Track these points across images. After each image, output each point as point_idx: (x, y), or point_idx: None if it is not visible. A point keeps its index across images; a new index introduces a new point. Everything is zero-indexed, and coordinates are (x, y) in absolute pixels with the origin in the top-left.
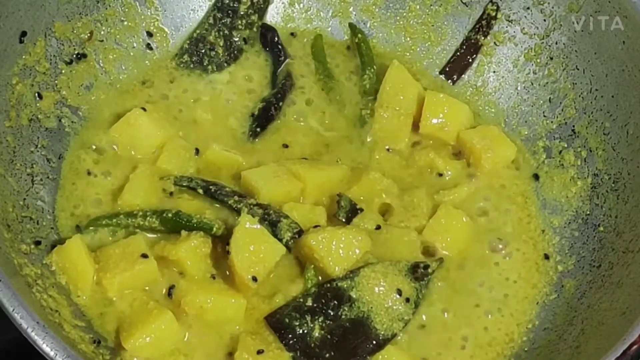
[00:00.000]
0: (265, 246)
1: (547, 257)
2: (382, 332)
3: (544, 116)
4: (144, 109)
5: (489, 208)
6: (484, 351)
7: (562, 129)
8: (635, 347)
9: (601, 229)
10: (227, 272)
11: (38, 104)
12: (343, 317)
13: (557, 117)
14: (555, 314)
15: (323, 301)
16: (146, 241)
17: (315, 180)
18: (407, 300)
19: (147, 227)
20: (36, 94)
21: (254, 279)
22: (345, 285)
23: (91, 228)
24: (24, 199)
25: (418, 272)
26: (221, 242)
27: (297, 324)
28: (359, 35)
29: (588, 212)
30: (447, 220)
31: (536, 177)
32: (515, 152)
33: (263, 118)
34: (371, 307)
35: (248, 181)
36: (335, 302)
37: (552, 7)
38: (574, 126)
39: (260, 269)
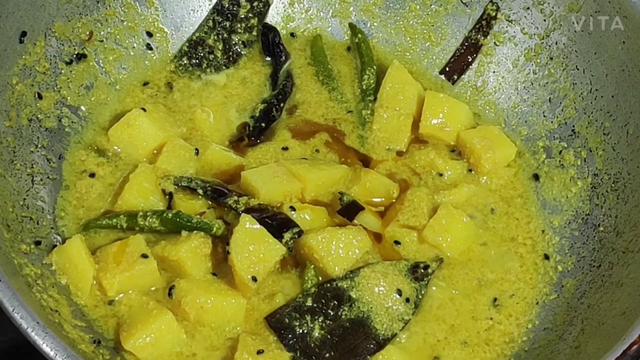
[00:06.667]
0: (265, 246)
1: (547, 257)
2: (382, 332)
3: (544, 116)
4: (144, 109)
5: (489, 208)
6: (483, 351)
7: (562, 129)
8: (635, 347)
9: (601, 229)
10: (228, 272)
11: (38, 104)
12: (343, 317)
13: (557, 117)
14: (555, 314)
15: (323, 301)
16: (146, 241)
17: (315, 180)
18: (407, 300)
19: (147, 227)
20: (36, 94)
21: (254, 279)
22: (345, 285)
23: (91, 228)
24: (24, 199)
25: (418, 272)
26: (221, 242)
27: (297, 324)
28: (359, 36)
29: (588, 212)
30: (448, 221)
31: (536, 177)
32: (516, 152)
33: (264, 119)
34: (371, 307)
35: (248, 181)
36: (335, 302)
37: (552, 7)
38: (574, 126)
39: (260, 269)
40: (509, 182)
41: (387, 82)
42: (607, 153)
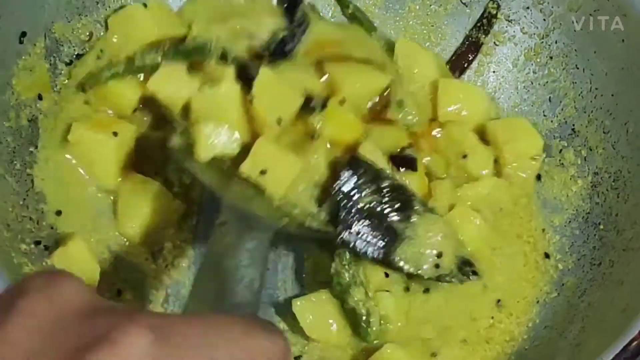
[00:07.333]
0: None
1: (547, 255)
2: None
3: (544, 115)
4: (145, 5)
5: (492, 209)
6: (484, 349)
7: (562, 128)
8: (635, 343)
9: (601, 227)
10: None
11: (38, 105)
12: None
13: (557, 116)
14: (555, 312)
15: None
16: None
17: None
18: (437, 266)
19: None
20: (36, 95)
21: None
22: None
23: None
24: (24, 199)
25: (464, 269)
26: None
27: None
28: (350, 6)
29: (588, 211)
30: (461, 220)
31: (537, 176)
32: (543, 145)
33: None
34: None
35: None
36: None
37: (552, 7)
38: (574, 125)
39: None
40: (513, 182)
41: (398, 58)
42: (607, 151)
